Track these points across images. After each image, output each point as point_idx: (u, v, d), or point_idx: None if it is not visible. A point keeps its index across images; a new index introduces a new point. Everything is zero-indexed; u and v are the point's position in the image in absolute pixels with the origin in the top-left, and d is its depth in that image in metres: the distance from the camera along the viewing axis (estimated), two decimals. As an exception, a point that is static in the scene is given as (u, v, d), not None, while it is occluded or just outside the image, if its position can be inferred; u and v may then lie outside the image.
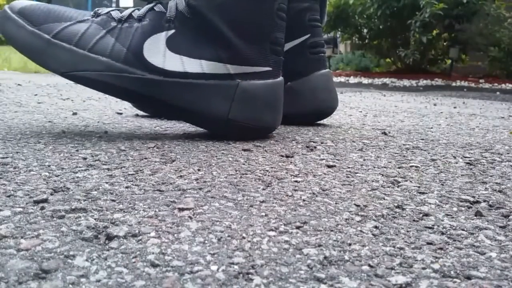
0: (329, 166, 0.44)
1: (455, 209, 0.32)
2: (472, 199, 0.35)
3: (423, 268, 0.22)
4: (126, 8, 0.57)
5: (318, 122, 0.79)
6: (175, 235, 0.25)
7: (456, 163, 0.49)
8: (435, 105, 1.47)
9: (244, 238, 0.25)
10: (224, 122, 0.55)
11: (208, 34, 0.54)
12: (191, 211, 0.29)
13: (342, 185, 0.37)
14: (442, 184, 0.39)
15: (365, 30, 4.20)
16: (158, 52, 0.53)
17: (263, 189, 0.35)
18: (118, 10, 0.57)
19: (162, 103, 0.55)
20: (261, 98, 0.55)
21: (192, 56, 0.54)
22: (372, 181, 0.39)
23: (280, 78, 0.58)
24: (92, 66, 0.53)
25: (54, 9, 0.56)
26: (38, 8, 0.55)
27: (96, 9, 0.57)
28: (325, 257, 0.23)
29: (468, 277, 0.22)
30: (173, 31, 0.54)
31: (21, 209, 0.28)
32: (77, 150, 0.46)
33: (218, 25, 0.53)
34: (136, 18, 0.55)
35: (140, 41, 0.53)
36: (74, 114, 0.78)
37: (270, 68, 0.56)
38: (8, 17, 0.54)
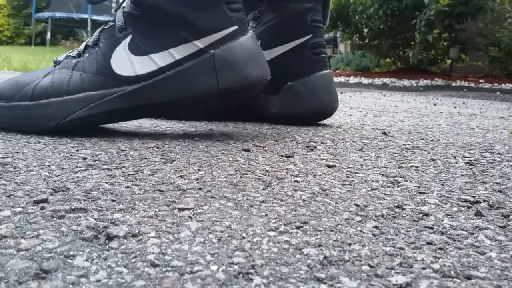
0: (329, 166, 0.44)
1: (455, 209, 0.32)
2: (472, 199, 0.35)
3: (423, 268, 0.22)
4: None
5: (318, 122, 0.79)
6: (175, 235, 0.25)
7: (456, 163, 0.49)
8: (435, 105, 1.47)
9: (244, 238, 0.25)
10: (216, 94, 0.54)
11: (163, 21, 0.54)
12: (191, 211, 0.29)
13: (342, 185, 0.37)
14: (442, 184, 0.39)
15: (365, 30, 4.20)
16: (126, 62, 0.54)
17: (263, 189, 0.35)
18: (74, 49, 0.58)
19: (155, 105, 0.55)
20: (240, 58, 0.55)
21: (158, 50, 0.53)
22: (372, 181, 0.39)
23: (250, 33, 0.57)
24: (77, 106, 0.53)
25: (20, 78, 0.57)
26: (6, 84, 0.57)
27: (54, 58, 0.59)
28: (325, 257, 0.23)
29: (468, 277, 0.22)
30: (130, 36, 0.54)
31: (21, 209, 0.28)
32: (77, 150, 0.46)
33: (168, 8, 0.53)
34: (92, 44, 0.56)
35: (105, 61, 0.54)
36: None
37: (236, 27, 0.55)
38: None
